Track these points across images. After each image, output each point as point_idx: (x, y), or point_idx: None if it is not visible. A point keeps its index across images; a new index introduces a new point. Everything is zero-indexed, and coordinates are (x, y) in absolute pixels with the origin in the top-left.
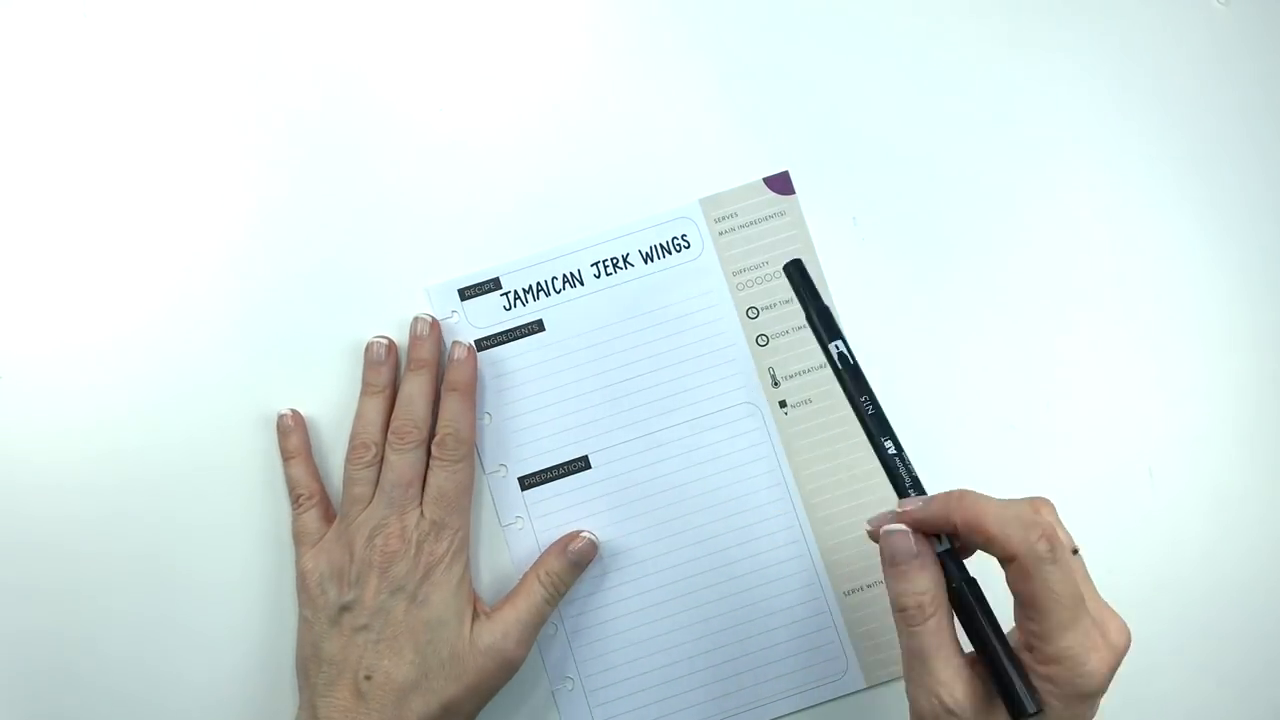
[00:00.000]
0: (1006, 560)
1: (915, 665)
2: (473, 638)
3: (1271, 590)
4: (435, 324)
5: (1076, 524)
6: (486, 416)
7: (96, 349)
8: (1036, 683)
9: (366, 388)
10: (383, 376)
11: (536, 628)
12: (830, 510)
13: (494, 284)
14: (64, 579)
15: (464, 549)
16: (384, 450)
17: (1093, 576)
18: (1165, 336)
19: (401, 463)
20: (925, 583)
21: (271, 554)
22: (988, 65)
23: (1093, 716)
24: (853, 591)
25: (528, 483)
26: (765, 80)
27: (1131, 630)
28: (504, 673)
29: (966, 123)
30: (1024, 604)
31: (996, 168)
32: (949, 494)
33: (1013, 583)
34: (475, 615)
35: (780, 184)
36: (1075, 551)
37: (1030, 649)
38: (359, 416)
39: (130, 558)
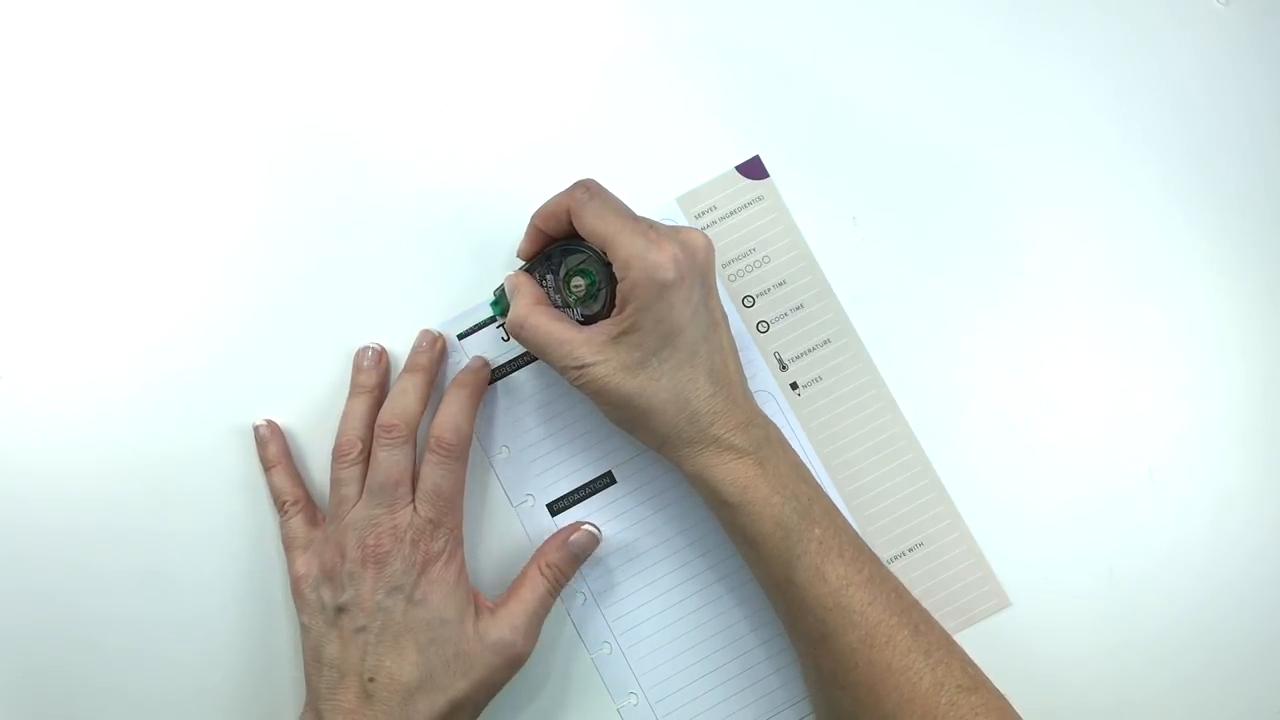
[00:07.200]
0: (569, 225)
1: (545, 355)
2: (478, 634)
3: (1272, 590)
4: (441, 340)
5: (1077, 523)
6: (504, 450)
7: (95, 350)
8: (625, 290)
9: (354, 389)
10: (371, 379)
11: (541, 619)
12: (860, 481)
13: (490, 320)
14: (62, 578)
15: (460, 545)
16: (369, 448)
17: (1092, 576)
18: (1165, 336)
19: (389, 460)
20: (524, 286)
21: (263, 558)
22: (988, 67)
23: (684, 307)
24: (897, 557)
25: (557, 508)
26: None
27: (1129, 625)
28: (511, 667)
29: (966, 124)
30: (597, 243)
31: (997, 169)
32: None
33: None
34: (478, 611)
35: (753, 169)
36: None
37: (614, 279)
38: (345, 416)
39: (128, 557)
